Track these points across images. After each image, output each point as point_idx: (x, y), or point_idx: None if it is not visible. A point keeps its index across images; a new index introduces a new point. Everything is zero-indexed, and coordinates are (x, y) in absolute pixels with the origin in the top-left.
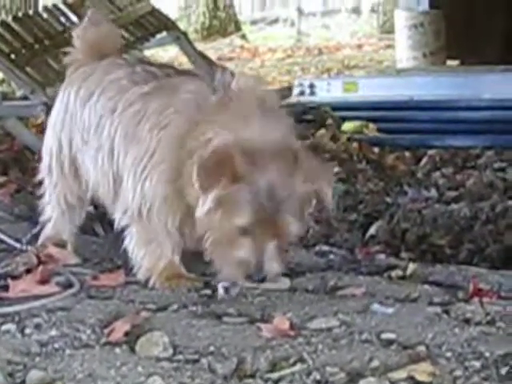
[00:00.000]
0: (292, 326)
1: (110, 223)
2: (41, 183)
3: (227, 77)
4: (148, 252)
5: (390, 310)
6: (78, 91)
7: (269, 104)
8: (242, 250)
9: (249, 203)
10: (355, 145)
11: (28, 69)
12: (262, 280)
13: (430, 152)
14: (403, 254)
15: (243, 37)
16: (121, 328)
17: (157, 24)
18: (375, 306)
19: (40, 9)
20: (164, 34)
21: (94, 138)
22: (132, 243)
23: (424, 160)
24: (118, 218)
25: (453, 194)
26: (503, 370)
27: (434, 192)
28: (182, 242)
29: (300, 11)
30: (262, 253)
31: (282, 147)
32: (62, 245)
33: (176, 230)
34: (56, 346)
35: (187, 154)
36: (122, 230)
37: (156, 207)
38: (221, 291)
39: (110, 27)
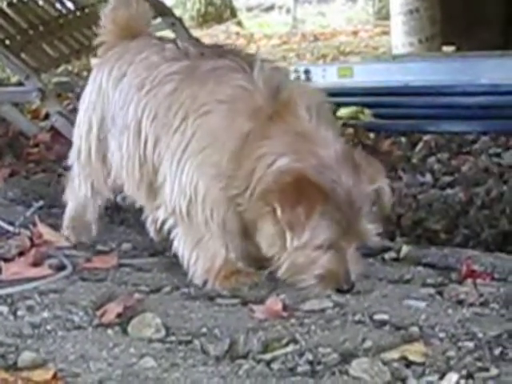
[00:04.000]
0: (285, 308)
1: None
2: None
3: (270, 72)
4: (201, 253)
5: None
6: (110, 72)
7: (321, 110)
8: (327, 264)
9: (333, 220)
10: (351, 130)
11: (23, 55)
12: (351, 289)
13: (426, 137)
14: (398, 239)
15: (239, 23)
16: (113, 310)
17: (152, 10)
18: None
19: None
20: (159, 19)
21: (119, 117)
22: (181, 246)
23: (419, 145)
24: (163, 219)
25: (448, 179)
26: (496, 351)
27: (429, 177)
28: (235, 237)
29: None
30: (347, 262)
31: (344, 154)
32: (54, 226)
33: (223, 224)
34: (48, 327)
35: (234, 162)
36: (169, 232)
37: (198, 202)
38: None
39: (139, 6)
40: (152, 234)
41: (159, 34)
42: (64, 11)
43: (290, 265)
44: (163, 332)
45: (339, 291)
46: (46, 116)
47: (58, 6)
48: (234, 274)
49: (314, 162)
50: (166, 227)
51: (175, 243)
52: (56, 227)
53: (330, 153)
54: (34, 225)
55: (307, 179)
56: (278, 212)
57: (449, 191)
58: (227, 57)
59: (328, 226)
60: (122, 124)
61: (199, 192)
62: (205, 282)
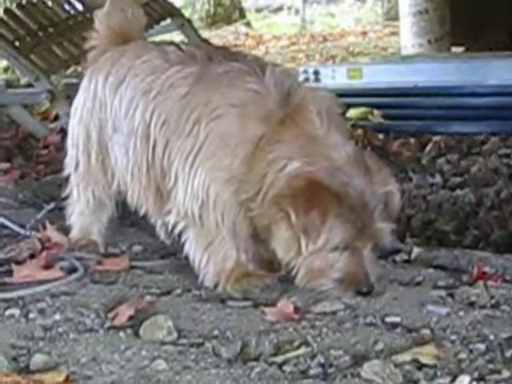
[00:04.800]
0: (296, 310)
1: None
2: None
3: (280, 75)
4: (211, 255)
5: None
6: (106, 77)
7: (332, 113)
8: (345, 267)
9: (348, 221)
10: (360, 131)
11: (32, 56)
12: (371, 291)
13: (435, 138)
14: (408, 240)
15: (248, 24)
16: (125, 312)
17: (161, 11)
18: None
19: None
20: (168, 21)
21: (124, 123)
22: (192, 249)
23: (429, 146)
24: (173, 223)
25: (458, 180)
26: (508, 353)
27: (438, 178)
28: (246, 241)
29: None
30: (364, 263)
31: (355, 157)
32: (65, 228)
33: (234, 227)
34: (60, 330)
35: (246, 166)
36: (179, 235)
37: (210, 206)
38: None
39: (133, 10)
40: (162, 236)
41: (168, 35)
42: (73, 12)
43: (307, 270)
44: (175, 334)
45: (359, 293)
46: (56, 117)
47: (66, 7)
48: (245, 276)
49: (326, 164)
50: (177, 230)
51: (186, 246)
52: (67, 229)
53: (342, 156)
54: (44, 228)
55: (319, 182)
56: (292, 217)
57: (458, 192)
58: (238, 60)
59: (343, 228)
60: (128, 129)
61: (211, 195)
62: (216, 285)
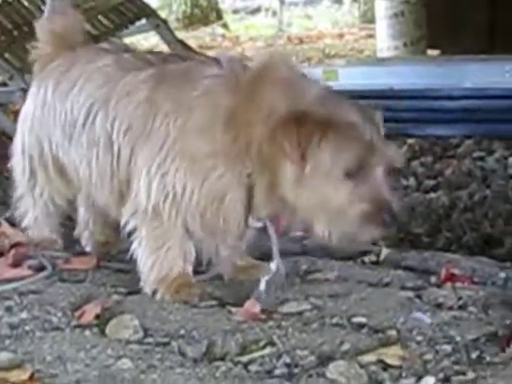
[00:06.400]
0: (263, 310)
1: None
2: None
3: (237, 62)
4: (157, 260)
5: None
6: (57, 85)
7: (292, 66)
8: (364, 194)
9: (353, 139)
10: None
11: (7, 55)
12: (395, 219)
13: (410, 141)
14: (381, 243)
15: (225, 26)
16: (91, 311)
17: (136, 11)
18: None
19: None
20: (143, 21)
21: (82, 132)
22: (140, 249)
23: (403, 149)
24: (125, 221)
25: (431, 182)
26: (474, 355)
27: (412, 181)
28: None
29: (282, 1)
30: (383, 187)
31: (332, 91)
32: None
33: (196, 231)
34: (26, 328)
35: (231, 140)
36: (129, 235)
37: (184, 202)
38: (262, 286)
39: (74, 14)
40: None
41: (144, 35)
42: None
43: (326, 213)
44: (141, 333)
45: (385, 224)
46: None
47: (42, 7)
48: (186, 287)
49: (310, 99)
50: (129, 228)
51: (134, 244)
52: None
53: (321, 90)
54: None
55: (310, 111)
56: (287, 148)
57: (432, 195)
58: (193, 58)
59: (348, 146)
60: (88, 141)
61: (187, 189)
62: (154, 292)
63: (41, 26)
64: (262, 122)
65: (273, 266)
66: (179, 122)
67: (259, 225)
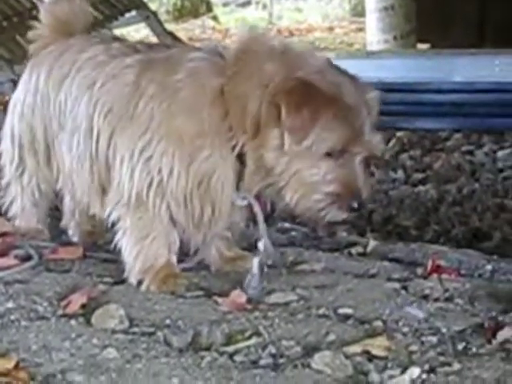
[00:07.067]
0: (249, 300)
1: None
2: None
3: (219, 46)
4: (142, 250)
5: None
6: (49, 72)
7: (280, 40)
8: (339, 177)
9: (343, 124)
10: None
11: None
12: (361, 208)
13: (399, 134)
14: (368, 235)
15: (215, 18)
16: (77, 300)
17: (126, 2)
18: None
19: None
20: (133, 13)
21: (69, 120)
22: (125, 239)
23: (392, 142)
24: (109, 210)
25: (420, 175)
26: (459, 346)
27: (401, 174)
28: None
29: None
30: (358, 174)
31: (332, 63)
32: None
33: (181, 220)
34: (12, 317)
35: (219, 117)
36: (113, 225)
37: (170, 187)
38: (255, 269)
39: (80, 3)
40: None
41: (135, 27)
42: (38, 2)
43: (298, 183)
44: (126, 323)
45: (351, 210)
46: None
47: None
48: (172, 277)
49: (310, 69)
50: (112, 218)
51: (119, 234)
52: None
53: (320, 62)
54: None
55: (311, 83)
56: (283, 113)
57: (420, 188)
58: (178, 46)
59: (336, 130)
60: (72, 126)
61: (174, 171)
62: (140, 282)
63: (45, 9)
64: (257, 93)
65: (260, 245)
66: (164, 104)
67: (244, 203)
